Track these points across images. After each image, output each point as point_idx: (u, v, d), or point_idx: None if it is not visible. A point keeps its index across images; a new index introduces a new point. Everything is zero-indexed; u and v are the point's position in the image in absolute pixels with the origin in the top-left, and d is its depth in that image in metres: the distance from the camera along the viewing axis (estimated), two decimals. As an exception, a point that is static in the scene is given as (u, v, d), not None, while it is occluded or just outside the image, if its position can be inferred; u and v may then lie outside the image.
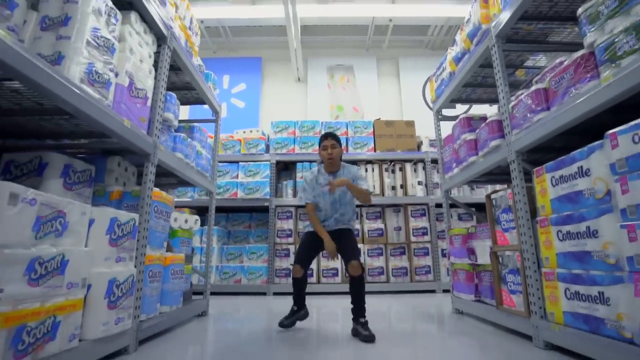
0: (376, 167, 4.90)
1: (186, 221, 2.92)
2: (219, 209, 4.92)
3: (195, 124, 3.08)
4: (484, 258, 2.52)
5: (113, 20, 1.80)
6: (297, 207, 4.75)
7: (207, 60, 4.44)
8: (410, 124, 5.16)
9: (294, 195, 4.79)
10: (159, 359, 1.76)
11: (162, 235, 2.29)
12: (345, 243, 2.40)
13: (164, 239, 2.32)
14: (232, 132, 5.27)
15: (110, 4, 1.79)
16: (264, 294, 4.38)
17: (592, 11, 1.54)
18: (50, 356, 1.27)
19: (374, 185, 4.83)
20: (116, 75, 1.82)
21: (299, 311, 2.48)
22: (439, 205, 4.70)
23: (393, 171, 4.91)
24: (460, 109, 3.74)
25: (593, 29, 1.53)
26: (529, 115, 1.98)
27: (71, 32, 1.52)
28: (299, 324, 2.52)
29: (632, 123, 1.34)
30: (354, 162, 5.00)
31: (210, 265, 3.24)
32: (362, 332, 2.10)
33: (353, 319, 2.24)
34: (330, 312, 3.12)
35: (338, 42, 7.31)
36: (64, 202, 1.42)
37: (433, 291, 4.44)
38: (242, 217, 5.07)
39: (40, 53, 1.47)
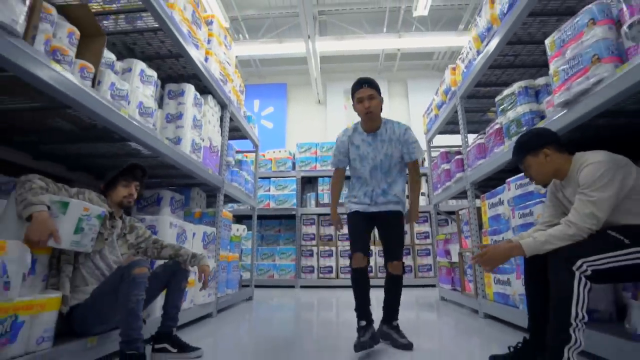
0: (385, 181, 5.80)
1: (237, 230, 3.97)
2: (255, 217, 6.00)
3: (242, 157, 4.13)
4: (455, 257, 3.42)
5: (200, 106, 2.85)
6: (319, 215, 5.73)
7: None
8: (415, 143, 6.04)
9: (317, 205, 5.78)
10: (230, 321, 2.79)
11: (227, 241, 3.34)
12: (390, 237, 2.08)
13: (227, 243, 3.36)
14: (264, 150, 6.32)
15: (199, 95, 2.84)
16: (293, 287, 5.39)
17: (501, 102, 2.45)
18: (185, 309, 2.32)
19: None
20: (202, 140, 2.87)
21: (370, 324, 1.88)
22: (439, 213, 5.55)
23: (399, 184, 5.79)
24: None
25: (501, 113, 2.44)
26: (475, 159, 2.88)
27: (184, 123, 2.58)
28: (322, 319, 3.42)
29: (517, 176, 2.24)
30: (366, 177, 5.95)
31: (255, 263, 4.28)
32: (397, 338, 1.92)
33: (383, 320, 2.02)
34: (349, 303, 4.09)
35: (353, 68, 8.28)
36: (184, 224, 2.47)
37: (433, 286, 5.29)
38: (273, 223, 6.11)
39: (167, 137, 2.52)
